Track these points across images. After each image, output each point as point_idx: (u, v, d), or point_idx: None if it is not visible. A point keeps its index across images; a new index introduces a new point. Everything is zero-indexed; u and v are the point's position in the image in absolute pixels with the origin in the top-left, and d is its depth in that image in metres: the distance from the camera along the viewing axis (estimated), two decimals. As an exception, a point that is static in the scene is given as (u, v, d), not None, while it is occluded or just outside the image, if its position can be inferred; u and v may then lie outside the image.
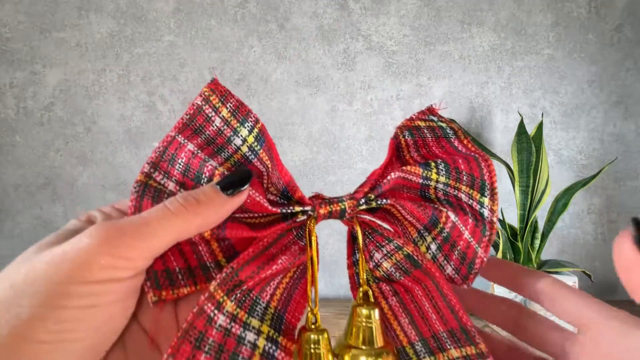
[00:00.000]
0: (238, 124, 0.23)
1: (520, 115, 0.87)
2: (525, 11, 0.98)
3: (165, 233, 0.19)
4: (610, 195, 1.00)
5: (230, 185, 0.21)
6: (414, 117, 0.27)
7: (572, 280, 0.76)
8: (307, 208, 0.24)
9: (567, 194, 0.83)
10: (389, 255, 0.25)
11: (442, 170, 0.25)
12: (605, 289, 1.00)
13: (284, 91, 0.97)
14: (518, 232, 0.83)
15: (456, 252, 0.25)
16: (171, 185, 0.22)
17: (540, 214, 0.86)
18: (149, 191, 0.22)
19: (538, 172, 0.82)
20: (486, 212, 0.25)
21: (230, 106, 0.23)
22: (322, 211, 0.24)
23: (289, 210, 0.24)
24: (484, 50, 0.98)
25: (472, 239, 0.25)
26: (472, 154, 0.25)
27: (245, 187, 0.21)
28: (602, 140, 1.00)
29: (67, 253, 0.18)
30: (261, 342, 0.21)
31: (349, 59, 0.97)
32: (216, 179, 0.22)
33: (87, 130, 0.96)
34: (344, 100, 0.98)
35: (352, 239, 0.26)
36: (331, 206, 0.24)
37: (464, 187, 0.25)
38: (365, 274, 0.26)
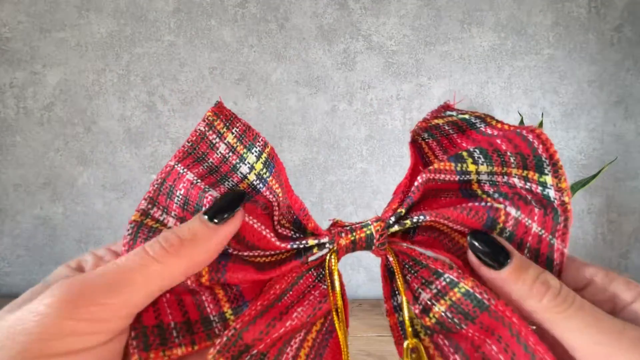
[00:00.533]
0: (245, 150, 0.21)
1: (520, 115, 0.87)
2: (525, 11, 0.98)
3: (144, 284, 0.16)
4: (610, 195, 1.00)
5: (219, 210, 0.17)
6: (428, 117, 0.23)
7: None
8: (324, 240, 0.20)
9: (567, 194, 0.83)
10: (440, 294, 0.19)
11: (479, 157, 0.20)
12: (605, 289, 1.00)
13: (284, 91, 0.97)
14: (518, 232, 0.83)
15: (526, 251, 0.20)
16: (171, 222, 0.20)
17: (540, 214, 0.85)
18: (143, 232, 0.19)
19: (538, 172, 0.82)
20: (552, 193, 0.19)
21: (236, 131, 0.21)
22: (342, 242, 0.19)
23: (301, 245, 0.19)
24: (484, 50, 0.98)
25: (543, 231, 0.19)
26: (513, 130, 0.20)
27: (238, 209, 0.18)
28: (602, 140, 1.00)
29: (23, 321, 0.14)
30: None
31: (349, 59, 0.97)
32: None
33: (87, 130, 0.96)
34: (344, 100, 0.98)
35: (388, 275, 0.21)
36: (353, 234, 0.19)
37: (514, 170, 0.19)
38: (410, 321, 0.19)
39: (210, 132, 0.21)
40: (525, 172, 0.19)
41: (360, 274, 0.98)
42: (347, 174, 0.99)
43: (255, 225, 0.19)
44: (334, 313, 0.19)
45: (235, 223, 0.18)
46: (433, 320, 0.19)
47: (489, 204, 0.20)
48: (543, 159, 0.19)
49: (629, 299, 0.18)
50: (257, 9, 0.96)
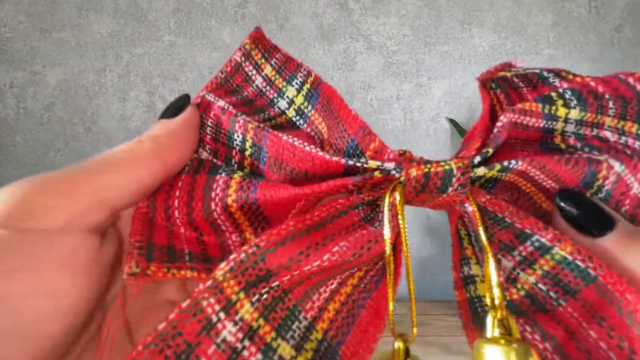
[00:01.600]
0: (284, 83, 0.18)
1: (520, 115, 0.88)
2: (525, 11, 0.98)
3: (102, 184, 0.15)
4: (610, 195, 1.00)
5: (171, 109, 0.18)
6: (492, 69, 0.19)
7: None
8: (389, 165, 0.15)
9: (567, 194, 0.83)
10: (528, 262, 0.15)
11: (571, 99, 0.16)
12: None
13: (284, 91, 0.97)
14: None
15: (624, 210, 0.16)
16: (204, 155, 0.18)
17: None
18: (195, 167, 0.17)
19: (538, 172, 0.82)
20: None
21: (275, 62, 0.18)
22: (413, 172, 0.15)
23: (359, 163, 0.15)
24: (484, 50, 0.98)
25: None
26: (610, 76, 0.16)
27: (189, 104, 0.18)
28: (602, 140, 1.00)
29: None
30: None
31: (349, 59, 0.97)
32: (250, 135, 0.16)
33: (87, 130, 0.96)
34: (344, 100, 0.98)
35: (459, 237, 0.17)
36: (428, 166, 0.15)
37: (608, 120, 0.16)
38: (500, 290, 0.15)
39: (247, 62, 0.18)
40: (622, 122, 0.16)
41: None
42: (347, 174, 0.99)
43: (296, 143, 0.16)
44: (389, 260, 0.15)
45: (187, 114, 0.17)
46: (522, 293, 0.15)
47: (595, 155, 0.16)
48: None
49: None
50: (257, 9, 0.96)
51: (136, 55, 0.95)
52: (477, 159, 0.15)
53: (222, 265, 0.13)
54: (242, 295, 0.13)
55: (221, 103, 0.17)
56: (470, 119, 0.99)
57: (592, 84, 0.16)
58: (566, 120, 0.16)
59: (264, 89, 0.18)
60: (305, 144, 0.16)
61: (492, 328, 0.14)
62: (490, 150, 0.15)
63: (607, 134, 0.16)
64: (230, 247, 0.16)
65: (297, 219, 0.14)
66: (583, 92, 0.16)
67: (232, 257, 0.14)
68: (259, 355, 0.13)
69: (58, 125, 0.96)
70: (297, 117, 0.18)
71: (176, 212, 0.16)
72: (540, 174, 0.16)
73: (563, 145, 0.17)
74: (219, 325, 0.13)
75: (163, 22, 0.95)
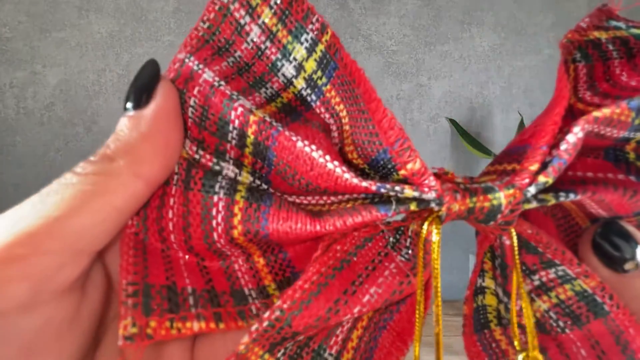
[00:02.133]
0: (290, 38, 0.13)
1: (520, 115, 0.87)
2: (525, 11, 0.98)
3: (83, 202, 0.12)
4: (610, 195, 1.01)
5: (137, 92, 0.13)
6: (584, 25, 0.15)
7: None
8: (428, 196, 0.12)
9: (567, 194, 0.83)
10: (544, 288, 0.14)
11: None
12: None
13: (284, 91, 0.97)
14: (518, 232, 0.83)
15: None
16: (187, 145, 0.13)
17: (540, 214, 0.86)
18: (185, 175, 0.13)
19: (538, 172, 0.82)
20: None
21: (276, 4, 0.13)
22: (455, 207, 0.12)
23: (392, 192, 0.12)
24: (484, 50, 0.98)
25: None
26: None
27: (157, 81, 0.13)
28: (602, 140, 1.00)
29: None
30: None
31: (349, 59, 0.98)
32: (252, 130, 0.12)
33: (87, 130, 0.96)
34: (344, 100, 0.98)
35: (487, 255, 0.16)
36: (473, 200, 0.12)
37: None
38: (531, 329, 0.14)
39: (236, 4, 0.13)
40: None
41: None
42: (347, 174, 0.99)
43: (316, 155, 0.12)
44: (419, 297, 0.13)
45: (158, 101, 0.12)
46: (537, 316, 0.15)
47: None
48: None
49: None
50: (257, 9, 0.96)
51: (136, 55, 0.95)
52: (532, 190, 0.12)
53: (245, 339, 0.12)
54: (266, 356, 0.12)
55: (208, 75, 0.13)
56: (470, 119, 0.99)
57: None
58: None
59: (262, 46, 0.13)
60: (328, 157, 0.12)
61: None
62: (550, 181, 0.12)
63: None
64: (237, 273, 0.14)
65: (321, 262, 0.13)
66: None
67: (254, 328, 0.12)
68: None
69: (58, 125, 0.96)
70: (308, 91, 0.13)
71: (172, 236, 0.13)
72: (594, 204, 0.14)
73: (632, 156, 0.14)
74: None
75: (163, 22, 0.95)
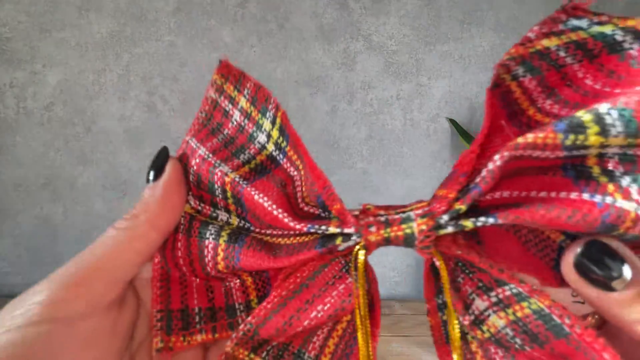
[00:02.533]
0: (260, 115, 0.17)
1: (520, 115, 0.87)
2: (525, 11, 0.98)
3: (120, 254, 0.18)
4: (610, 195, 1.00)
5: (153, 170, 0.19)
6: (531, 35, 0.14)
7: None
8: (349, 230, 0.16)
9: (567, 194, 0.83)
10: (502, 305, 0.15)
11: (614, 125, 0.12)
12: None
13: (284, 91, 0.97)
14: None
15: None
16: (192, 201, 0.19)
17: (540, 214, 0.85)
18: (187, 226, 0.19)
19: (538, 172, 0.81)
20: None
21: (248, 93, 0.18)
22: (372, 238, 0.15)
23: (320, 230, 0.16)
24: (484, 50, 0.98)
25: None
26: None
27: (167, 161, 0.19)
28: (602, 140, 1.00)
29: (31, 293, 0.17)
30: None
31: (349, 59, 0.98)
32: (229, 188, 0.17)
33: (87, 130, 0.96)
34: (344, 100, 0.98)
35: (433, 272, 0.17)
36: (387, 230, 0.15)
37: None
38: (457, 331, 0.16)
39: (222, 97, 0.19)
40: None
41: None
42: (347, 174, 0.99)
43: (266, 204, 0.17)
44: (357, 313, 0.16)
45: (168, 175, 0.18)
46: (487, 335, 0.15)
47: (607, 199, 0.12)
48: None
49: None
50: (257, 9, 0.96)
51: (136, 55, 0.95)
52: (445, 217, 0.14)
53: (228, 343, 0.17)
54: (252, 355, 0.17)
55: (202, 151, 0.18)
56: (470, 119, 0.99)
57: None
58: (603, 146, 0.12)
59: (242, 123, 0.18)
60: (274, 206, 0.17)
61: None
62: (463, 208, 0.14)
63: None
64: (232, 290, 0.19)
65: (282, 287, 0.16)
66: (636, 114, 0.11)
67: (234, 335, 0.17)
68: None
69: (58, 125, 0.96)
70: (277, 152, 0.18)
71: (183, 268, 0.19)
72: (536, 224, 0.13)
73: (596, 171, 0.13)
74: None
75: (163, 22, 0.95)
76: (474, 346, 0.16)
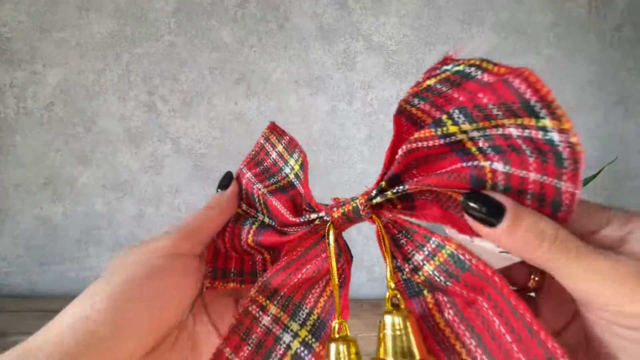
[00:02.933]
0: (289, 156, 0.29)
1: (520, 115, 0.87)
2: (525, 11, 0.98)
3: (208, 227, 0.28)
4: (610, 195, 1.00)
5: (221, 186, 0.30)
6: (420, 80, 0.22)
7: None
8: (322, 214, 0.25)
9: (567, 194, 0.83)
10: (431, 255, 0.21)
11: (459, 117, 0.19)
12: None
13: (284, 91, 0.97)
14: (518, 232, 0.83)
15: (529, 197, 0.19)
16: (244, 207, 0.30)
17: (540, 214, 0.86)
18: (236, 218, 0.29)
19: (538, 172, 0.82)
20: (556, 136, 0.17)
21: (284, 142, 0.29)
22: (335, 214, 0.24)
23: (306, 219, 0.25)
24: (483, 50, 0.98)
25: (544, 177, 0.18)
26: (502, 77, 0.18)
27: (232, 182, 0.30)
28: (602, 140, 1.00)
29: (161, 242, 0.26)
30: (295, 345, 0.24)
31: (349, 59, 0.97)
32: (260, 197, 0.28)
33: (87, 130, 0.96)
34: (344, 100, 0.98)
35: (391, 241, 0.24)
36: (343, 207, 0.23)
37: (507, 121, 0.18)
38: (390, 277, 0.23)
39: (267, 143, 0.30)
40: (520, 119, 0.18)
41: (362, 273, 0.98)
42: (347, 174, 0.99)
43: (279, 207, 0.26)
44: (331, 270, 0.24)
45: (231, 188, 0.30)
46: (422, 278, 0.22)
47: (474, 162, 0.20)
48: (532, 103, 0.17)
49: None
50: (257, 9, 0.96)
51: (136, 55, 0.95)
52: (374, 192, 0.23)
53: (252, 290, 0.26)
54: (268, 302, 0.25)
55: (249, 175, 0.29)
56: (470, 119, 0.99)
57: (480, 95, 0.18)
58: (464, 132, 0.19)
59: (277, 160, 0.29)
60: (284, 209, 0.26)
61: (386, 301, 0.22)
62: (383, 184, 0.22)
63: (512, 130, 0.18)
64: (256, 262, 0.29)
65: (288, 257, 0.25)
66: (468, 108, 0.19)
67: (256, 284, 0.26)
68: (280, 331, 0.24)
69: (58, 125, 0.96)
70: (295, 179, 0.28)
71: (228, 244, 0.29)
72: (433, 188, 0.20)
73: (474, 149, 0.20)
74: (260, 318, 0.25)
75: (163, 22, 0.95)
76: (428, 298, 0.22)
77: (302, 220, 0.25)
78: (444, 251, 0.21)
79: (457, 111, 0.19)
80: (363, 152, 0.99)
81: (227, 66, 0.96)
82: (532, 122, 0.17)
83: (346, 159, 0.99)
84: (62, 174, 0.97)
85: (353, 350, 0.21)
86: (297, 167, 0.28)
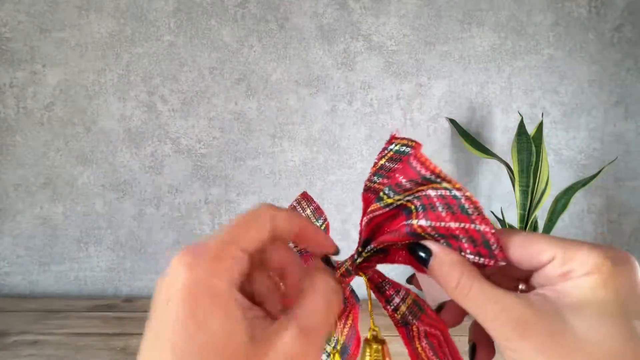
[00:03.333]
0: (315, 220, 0.34)
1: (520, 115, 0.87)
2: (525, 11, 0.98)
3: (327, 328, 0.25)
4: (610, 195, 1.00)
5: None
6: (376, 160, 0.28)
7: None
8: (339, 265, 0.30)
9: (567, 194, 0.83)
10: (403, 299, 0.29)
11: (389, 193, 0.26)
12: (605, 289, 1.00)
13: (284, 91, 0.97)
14: (518, 232, 0.83)
15: (464, 240, 0.23)
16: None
17: (540, 214, 0.86)
18: None
19: (538, 172, 0.82)
20: (457, 193, 0.23)
21: (311, 208, 0.35)
22: (338, 273, 0.29)
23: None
24: (484, 50, 0.98)
25: (463, 224, 0.23)
26: (407, 158, 0.25)
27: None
28: (602, 140, 1.00)
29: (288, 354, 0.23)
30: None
31: (349, 59, 0.97)
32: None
33: (87, 130, 0.96)
34: (344, 100, 0.98)
35: (375, 289, 0.30)
36: (340, 269, 0.28)
37: (418, 188, 0.24)
38: (372, 321, 0.29)
39: (299, 207, 0.35)
40: (430, 184, 0.24)
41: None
42: (347, 174, 0.99)
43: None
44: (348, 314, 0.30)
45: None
46: (398, 317, 0.29)
47: (408, 222, 0.25)
48: (428, 176, 0.23)
49: (580, 271, 0.20)
50: (257, 9, 0.96)
51: (136, 55, 0.95)
52: (356, 256, 0.28)
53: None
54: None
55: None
56: (470, 119, 0.99)
57: (397, 175, 0.25)
58: (397, 201, 0.25)
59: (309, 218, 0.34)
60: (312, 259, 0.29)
61: (369, 336, 0.28)
62: (360, 249, 0.28)
63: (430, 192, 0.24)
64: None
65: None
66: (393, 186, 0.25)
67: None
68: (324, 355, 0.31)
69: (58, 125, 0.96)
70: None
71: None
72: (389, 243, 0.27)
73: (412, 207, 0.25)
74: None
75: (163, 22, 0.95)
76: (414, 328, 0.28)
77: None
78: (409, 298, 0.29)
79: (386, 189, 0.26)
80: (363, 152, 0.99)
81: (227, 66, 0.96)
82: (437, 186, 0.23)
83: (346, 159, 0.99)
84: (62, 174, 0.97)
85: (386, 349, 0.28)
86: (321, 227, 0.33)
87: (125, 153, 0.97)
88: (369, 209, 0.27)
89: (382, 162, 0.27)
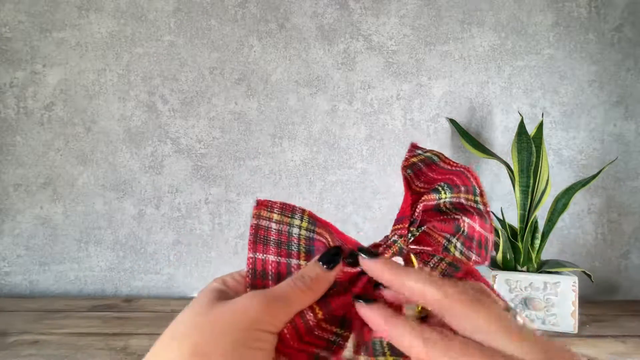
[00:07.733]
0: (289, 218, 0.28)
1: (520, 115, 0.87)
2: (525, 11, 0.98)
3: (296, 305, 0.25)
4: (610, 195, 1.00)
5: (329, 261, 0.26)
6: (407, 156, 0.34)
7: (572, 280, 0.76)
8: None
9: (567, 194, 0.83)
10: (434, 267, 0.31)
11: (446, 189, 0.32)
12: (605, 289, 1.00)
13: (284, 91, 0.97)
14: (518, 232, 0.83)
15: (474, 242, 0.32)
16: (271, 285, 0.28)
17: (541, 214, 0.86)
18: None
19: (538, 172, 0.82)
20: (481, 207, 0.32)
21: (277, 209, 0.29)
22: (387, 255, 0.29)
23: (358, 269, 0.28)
24: (484, 50, 0.98)
25: (482, 230, 0.32)
26: (458, 169, 0.33)
27: (339, 262, 0.27)
28: (602, 140, 1.00)
29: (246, 308, 0.24)
30: None
31: (349, 59, 0.97)
32: (297, 272, 0.27)
33: (87, 130, 0.96)
34: (344, 100, 0.98)
35: (410, 262, 0.33)
36: (392, 249, 0.29)
37: (462, 195, 0.32)
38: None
39: (261, 220, 0.28)
40: (467, 195, 0.32)
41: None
42: (347, 174, 0.99)
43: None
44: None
45: (337, 270, 0.26)
46: (439, 271, 0.31)
47: (456, 216, 0.32)
48: (475, 188, 0.32)
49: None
50: (257, 9, 0.96)
51: (136, 55, 0.95)
52: (410, 236, 0.31)
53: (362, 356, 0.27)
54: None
55: (272, 257, 0.27)
56: (470, 119, 0.99)
57: (454, 178, 0.32)
58: (444, 199, 0.32)
59: (279, 228, 0.28)
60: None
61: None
62: (414, 230, 0.31)
63: (462, 200, 0.32)
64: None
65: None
66: (451, 184, 0.32)
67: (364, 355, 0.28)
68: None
69: (58, 125, 0.96)
70: (308, 233, 0.28)
71: (289, 346, 0.27)
72: (433, 229, 0.33)
73: (444, 208, 0.32)
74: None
75: (163, 22, 0.95)
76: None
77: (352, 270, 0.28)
78: (444, 262, 0.31)
79: (445, 185, 0.32)
80: (363, 152, 0.99)
81: (227, 66, 0.96)
82: (472, 197, 0.32)
83: (346, 159, 0.99)
84: (62, 174, 0.97)
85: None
86: (304, 224, 0.28)
87: (125, 153, 0.97)
88: (427, 197, 0.31)
89: (413, 160, 0.34)
